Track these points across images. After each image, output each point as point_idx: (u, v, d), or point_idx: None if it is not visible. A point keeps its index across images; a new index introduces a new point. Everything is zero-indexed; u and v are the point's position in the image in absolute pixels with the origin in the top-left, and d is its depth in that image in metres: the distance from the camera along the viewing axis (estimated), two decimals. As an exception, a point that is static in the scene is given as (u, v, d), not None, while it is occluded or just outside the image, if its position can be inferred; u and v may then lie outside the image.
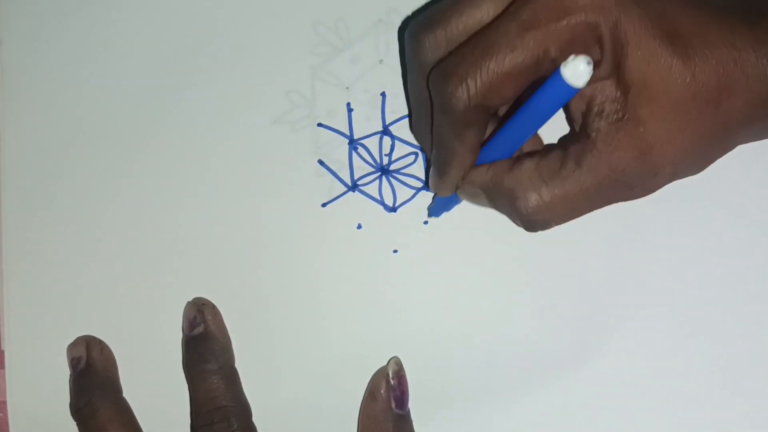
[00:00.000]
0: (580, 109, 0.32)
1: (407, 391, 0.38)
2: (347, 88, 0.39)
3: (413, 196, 0.39)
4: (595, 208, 0.32)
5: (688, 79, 0.29)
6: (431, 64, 0.32)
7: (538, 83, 0.30)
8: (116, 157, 0.40)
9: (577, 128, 0.33)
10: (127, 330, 0.39)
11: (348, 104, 0.39)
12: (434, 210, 0.39)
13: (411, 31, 0.33)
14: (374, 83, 0.39)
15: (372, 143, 0.39)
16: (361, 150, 0.39)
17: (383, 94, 0.39)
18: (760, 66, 0.30)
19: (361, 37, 0.39)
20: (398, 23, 0.39)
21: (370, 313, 0.39)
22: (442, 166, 0.34)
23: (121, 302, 0.39)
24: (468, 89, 0.30)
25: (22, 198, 0.40)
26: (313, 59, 0.39)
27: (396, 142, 0.39)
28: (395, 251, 0.39)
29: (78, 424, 0.38)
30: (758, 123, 0.31)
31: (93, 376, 0.38)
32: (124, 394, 0.39)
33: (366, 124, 0.39)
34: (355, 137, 0.39)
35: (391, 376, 0.38)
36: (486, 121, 0.32)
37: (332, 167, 0.39)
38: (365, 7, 0.39)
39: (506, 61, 0.29)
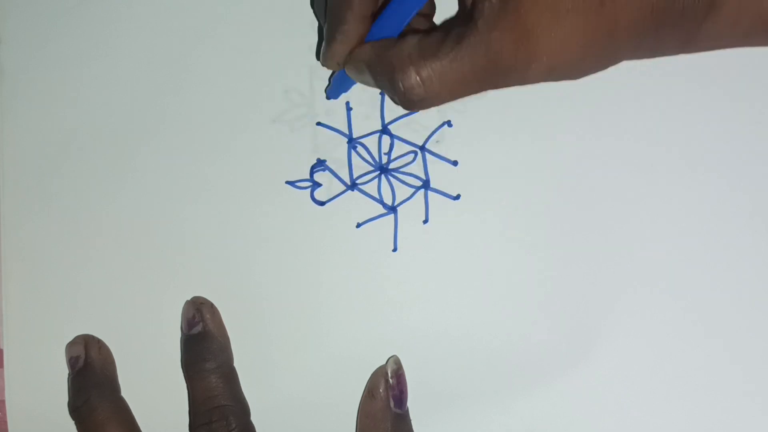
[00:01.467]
0: None
1: (406, 390, 0.38)
2: (346, 86, 0.39)
3: (412, 195, 0.39)
4: (472, 92, 0.32)
5: None
6: None
7: None
8: (115, 157, 0.40)
9: (465, 12, 0.32)
10: (125, 329, 0.39)
11: (347, 103, 0.39)
12: (331, 91, 0.38)
13: None
14: (373, 82, 0.39)
15: (371, 142, 0.39)
16: (360, 149, 0.39)
17: (382, 93, 0.39)
18: None
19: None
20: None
21: (368, 311, 0.39)
22: (331, 34, 0.34)
23: (120, 301, 0.39)
24: None
25: (22, 197, 0.40)
26: (311, 58, 0.39)
27: (395, 141, 0.39)
28: (394, 250, 0.39)
29: (76, 423, 0.38)
30: (645, 37, 0.31)
31: (91, 375, 0.38)
32: (123, 393, 0.39)
33: (365, 122, 0.39)
34: (354, 136, 0.39)
35: (389, 374, 0.38)
36: None
37: (331, 166, 0.39)
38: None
39: None
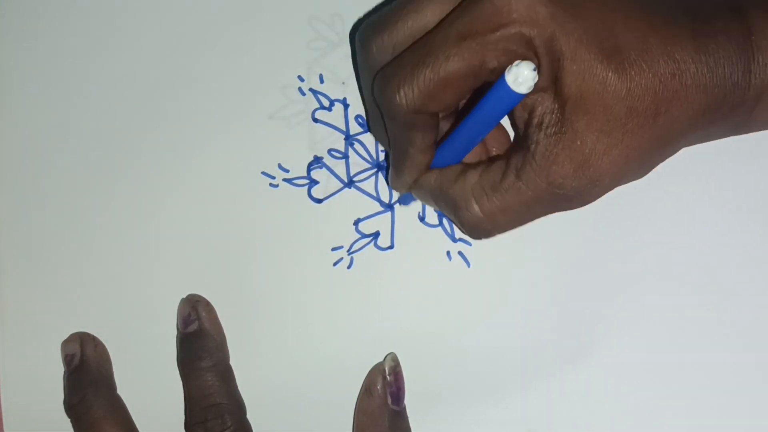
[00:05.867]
0: (523, 118, 0.32)
1: (403, 388, 0.38)
2: (343, 83, 0.39)
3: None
4: (536, 218, 0.33)
5: (623, 93, 0.29)
6: (378, 68, 0.32)
7: (488, 88, 0.30)
8: (111, 155, 0.40)
9: (520, 135, 0.33)
10: (121, 327, 0.39)
11: (344, 100, 0.39)
12: (402, 199, 0.39)
13: (360, 34, 0.33)
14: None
15: (368, 139, 0.39)
16: (357, 146, 0.39)
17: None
18: (700, 77, 0.30)
19: (357, 32, 0.39)
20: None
21: (366, 309, 0.39)
22: (396, 165, 0.34)
23: (116, 299, 0.39)
24: (405, 96, 0.31)
25: (17, 195, 0.40)
26: (309, 54, 0.39)
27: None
28: (391, 247, 0.39)
29: (72, 421, 0.38)
30: (699, 131, 0.31)
31: (87, 373, 0.38)
32: (119, 391, 0.39)
33: (362, 120, 0.39)
34: (352, 133, 0.39)
35: (387, 372, 0.38)
36: (433, 123, 0.32)
37: (328, 163, 0.39)
38: (361, 1, 0.39)
39: (441, 69, 0.30)
